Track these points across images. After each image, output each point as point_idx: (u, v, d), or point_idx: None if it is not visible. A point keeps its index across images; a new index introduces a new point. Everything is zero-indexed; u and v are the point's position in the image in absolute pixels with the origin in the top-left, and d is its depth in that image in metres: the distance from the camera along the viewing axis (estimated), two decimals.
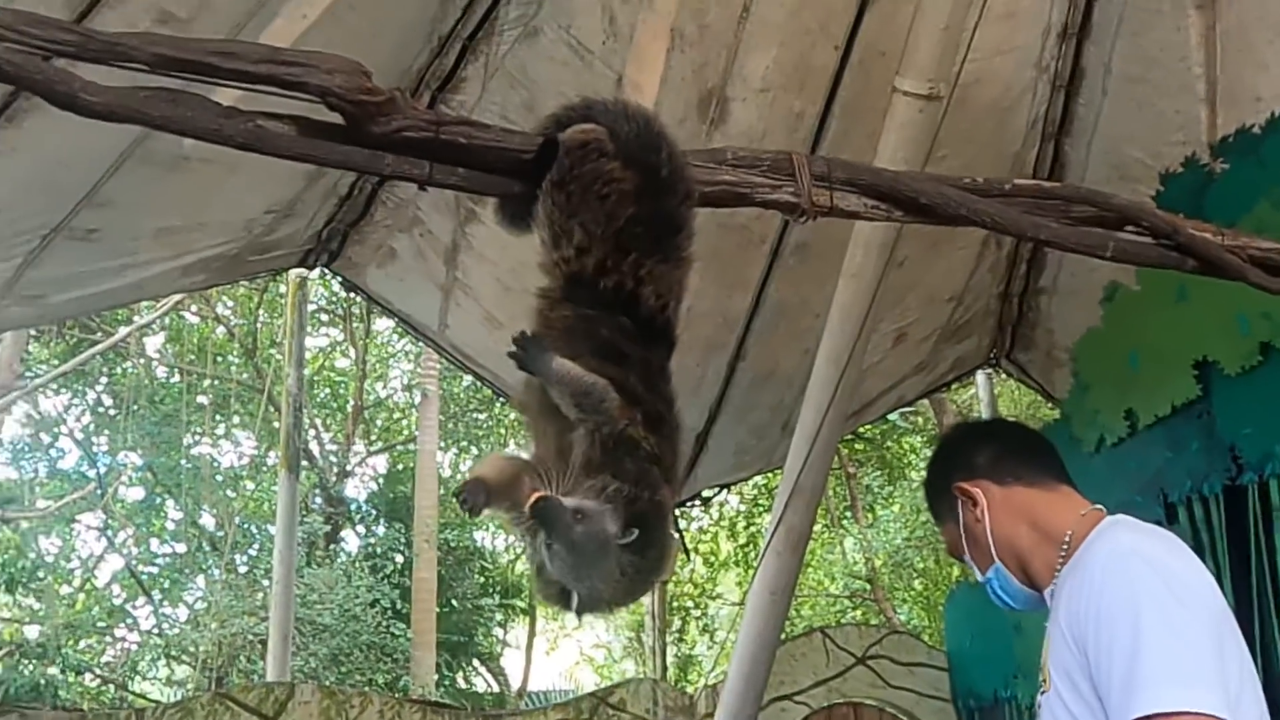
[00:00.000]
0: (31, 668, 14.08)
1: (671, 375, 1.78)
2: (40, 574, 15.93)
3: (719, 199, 1.82)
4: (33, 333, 13.85)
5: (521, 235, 1.85)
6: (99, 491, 16.23)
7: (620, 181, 1.72)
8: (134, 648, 16.39)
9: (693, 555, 16.47)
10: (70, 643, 14.91)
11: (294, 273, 7.88)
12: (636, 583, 1.70)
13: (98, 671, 15.70)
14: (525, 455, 1.83)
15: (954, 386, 10.48)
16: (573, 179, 1.71)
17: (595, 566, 1.62)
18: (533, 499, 1.59)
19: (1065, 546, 1.96)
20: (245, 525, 16.45)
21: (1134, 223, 1.89)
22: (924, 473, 2.37)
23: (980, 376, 9.28)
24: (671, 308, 1.80)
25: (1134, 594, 1.74)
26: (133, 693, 15.97)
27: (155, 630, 16.34)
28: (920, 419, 16.15)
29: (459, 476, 18.83)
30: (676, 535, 10.38)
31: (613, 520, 1.61)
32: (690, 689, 12.87)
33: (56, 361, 15.68)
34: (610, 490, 1.61)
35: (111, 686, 15.68)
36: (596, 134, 1.74)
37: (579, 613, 1.72)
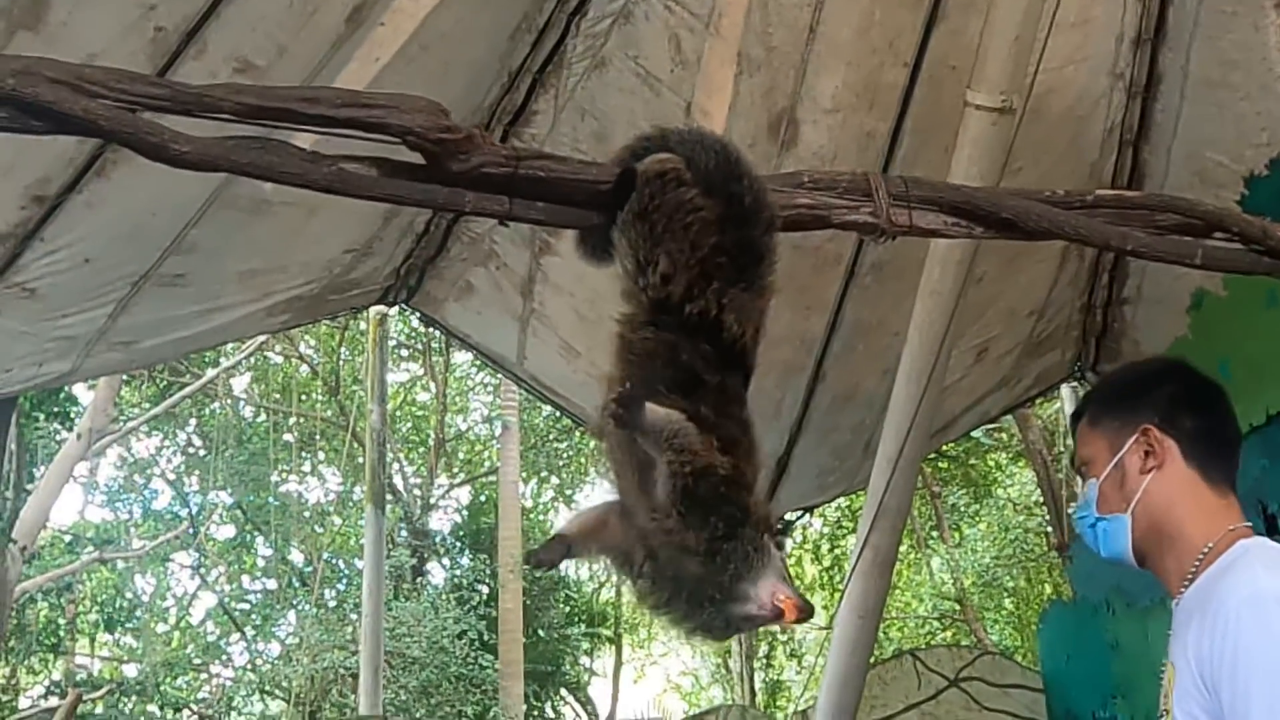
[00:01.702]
0: (131, 705, 14.39)
1: (748, 401, 1.78)
2: (137, 613, 16.31)
3: (797, 222, 1.81)
4: (124, 378, 14.21)
5: (601, 266, 1.87)
6: (191, 531, 16.60)
7: (702, 210, 1.73)
8: (229, 683, 16.68)
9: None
10: (167, 680, 15.22)
11: (374, 310, 8.00)
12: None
13: (194, 708, 16.00)
14: (609, 497, 1.85)
15: (1038, 401, 10.30)
16: (654, 209, 1.72)
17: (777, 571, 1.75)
18: (794, 614, 1.70)
19: (1200, 558, 1.89)
20: (333, 560, 16.70)
21: (1222, 229, 1.85)
22: (1113, 372, 2.32)
23: (1065, 390, 9.09)
24: (750, 334, 1.81)
25: (1274, 648, 1.69)
26: None
27: (249, 666, 16.63)
28: (1004, 435, 15.89)
29: (540, 505, 18.95)
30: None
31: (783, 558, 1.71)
32: (780, 715, 12.76)
33: (148, 405, 16.09)
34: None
35: None
36: (674, 163, 1.75)
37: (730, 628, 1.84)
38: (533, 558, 1.84)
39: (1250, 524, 1.94)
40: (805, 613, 1.74)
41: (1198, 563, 1.89)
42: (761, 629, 16.52)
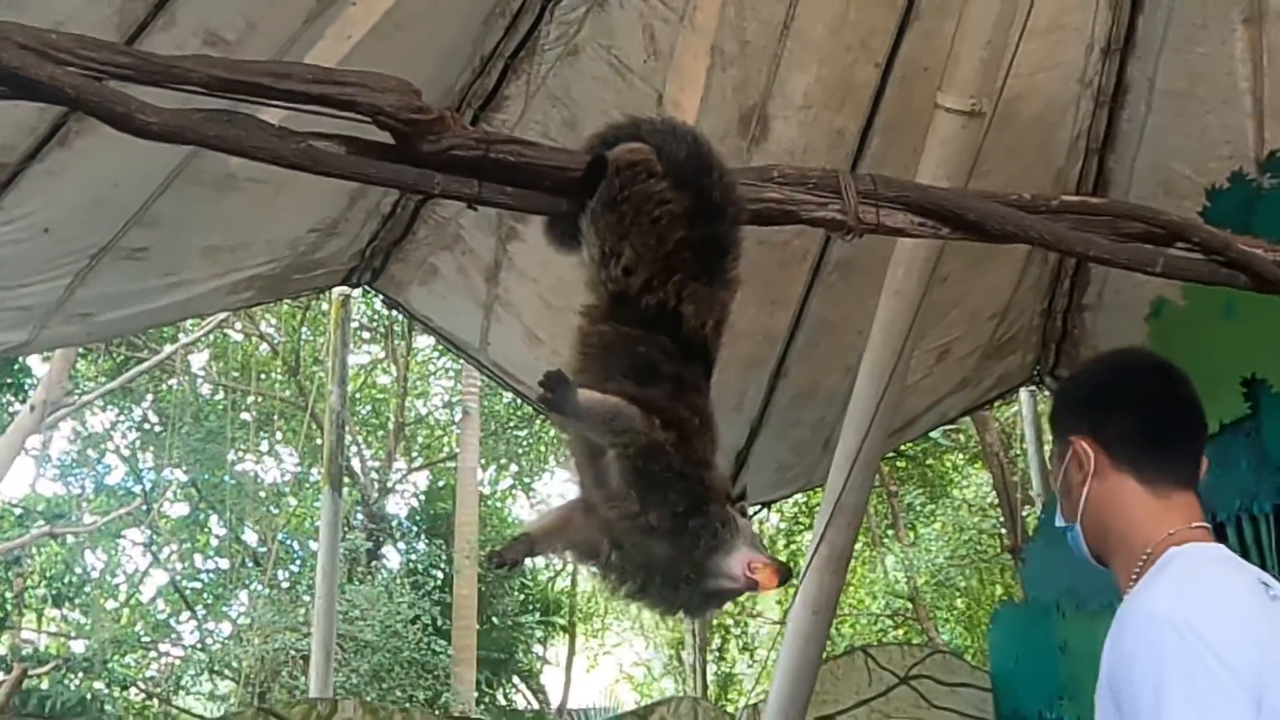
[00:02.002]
0: (78, 682, 14.24)
1: (709, 392, 1.78)
2: (86, 589, 16.13)
3: (765, 217, 1.82)
4: (80, 350, 14.05)
5: (570, 254, 1.86)
6: (144, 507, 16.42)
7: (671, 203, 1.73)
8: (178, 663, 16.54)
9: None
10: (115, 657, 15.07)
11: (337, 291, 7.93)
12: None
13: (142, 686, 15.86)
14: (573, 494, 1.85)
15: (997, 404, 10.40)
16: (623, 199, 1.72)
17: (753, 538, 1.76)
18: (771, 581, 1.68)
19: (1141, 563, 1.88)
20: (287, 541, 16.60)
21: (1184, 239, 1.87)
22: (1065, 379, 2.29)
23: (1023, 394, 9.20)
24: (711, 327, 1.80)
25: (1160, 671, 1.67)
26: (176, 707, 16.11)
27: (199, 645, 16.50)
28: (962, 436, 16.02)
29: (499, 493, 18.91)
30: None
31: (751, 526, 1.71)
32: (731, 708, 12.81)
33: (103, 379, 15.90)
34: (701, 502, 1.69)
35: (155, 701, 15.82)
36: (645, 154, 1.75)
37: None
38: (495, 558, 1.83)
39: (1199, 525, 1.90)
40: (783, 575, 1.72)
41: (1139, 567, 1.89)
42: (715, 620, 16.60)
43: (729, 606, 17.25)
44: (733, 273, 1.81)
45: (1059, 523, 2.03)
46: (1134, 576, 1.88)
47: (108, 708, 14.17)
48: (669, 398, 1.74)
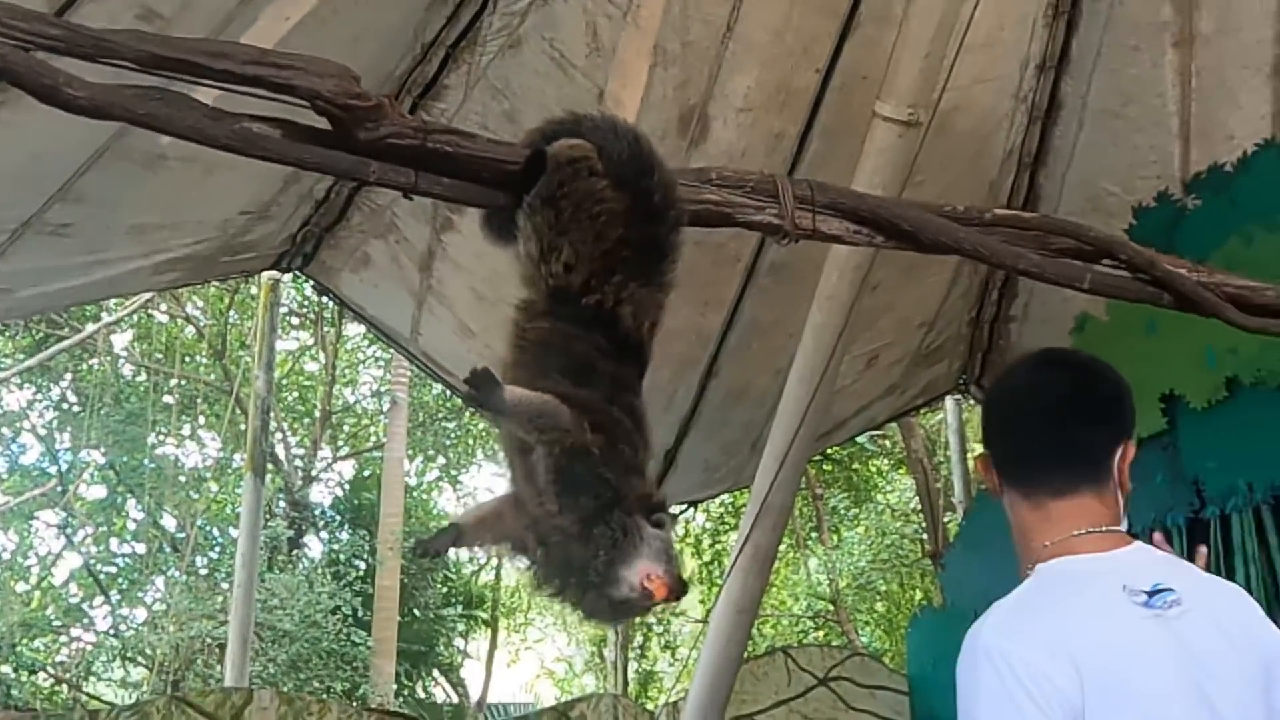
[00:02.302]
0: None
1: (641, 394, 1.77)
2: None
3: (703, 219, 1.81)
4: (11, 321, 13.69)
5: (506, 247, 1.84)
6: (60, 489, 16.05)
7: (610, 201, 1.71)
8: (89, 648, 16.19)
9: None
10: (24, 641, 14.71)
11: (266, 275, 7.82)
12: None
13: (51, 671, 15.50)
14: (505, 489, 1.83)
15: (923, 411, 10.54)
16: (563, 195, 1.70)
17: (668, 556, 1.72)
18: (664, 591, 1.65)
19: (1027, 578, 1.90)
20: (207, 528, 16.31)
21: (1112, 256, 1.90)
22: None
23: (949, 402, 9.34)
24: (647, 328, 1.79)
25: (975, 700, 1.70)
26: (87, 694, 15.78)
27: (112, 631, 16.15)
28: (888, 442, 16.21)
29: (425, 484, 18.76)
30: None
31: (660, 535, 1.68)
32: (651, 705, 12.84)
33: (21, 356, 15.50)
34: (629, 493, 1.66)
35: (65, 687, 15.48)
36: (586, 150, 1.73)
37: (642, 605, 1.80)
38: (420, 546, 1.80)
39: (1088, 530, 1.82)
40: (675, 592, 1.70)
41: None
42: (638, 617, 16.61)
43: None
44: (670, 275, 1.80)
45: None
46: None
47: (15, 692, 13.84)
48: (603, 399, 1.73)
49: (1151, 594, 1.75)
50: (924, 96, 5.46)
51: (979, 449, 2.17)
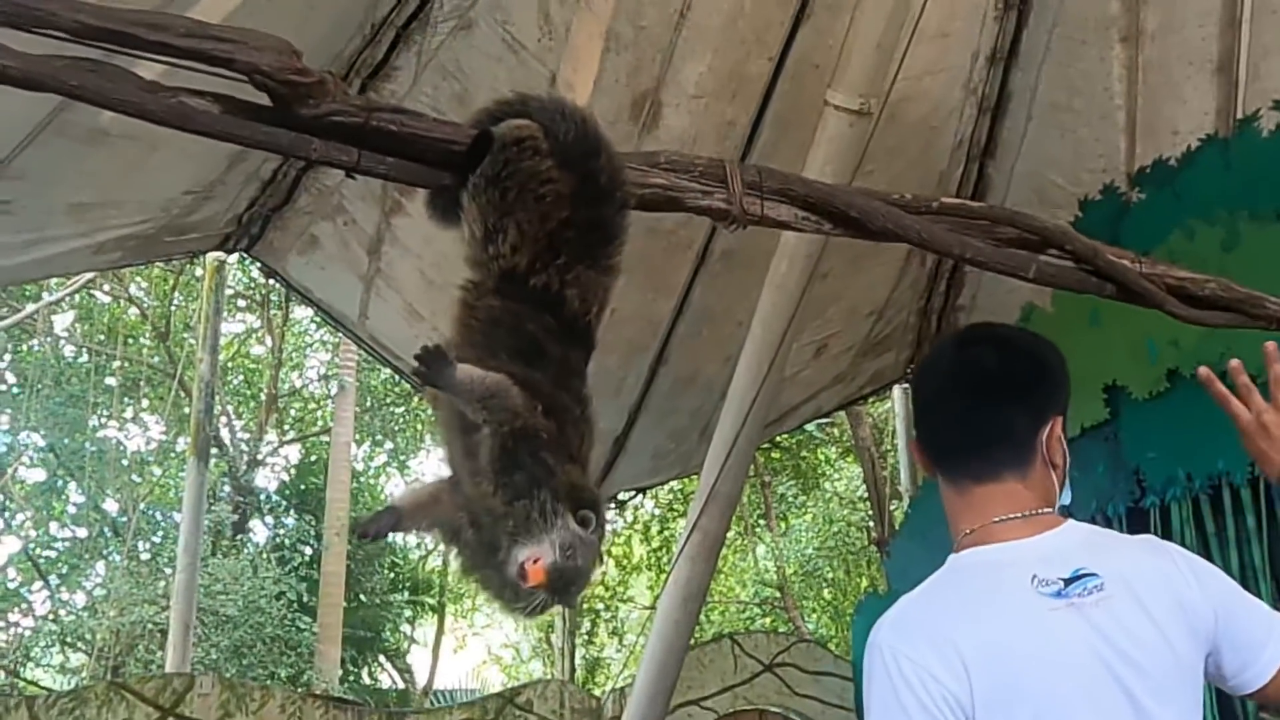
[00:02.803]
0: None
1: (588, 378, 1.75)
2: None
3: (650, 202, 1.80)
4: None
5: (450, 228, 1.82)
6: None
7: (556, 183, 1.69)
8: (28, 633, 15.93)
9: (605, 558, 16.44)
10: None
11: (211, 256, 7.70)
12: (600, 553, 1.73)
13: None
14: (444, 473, 1.79)
15: (871, 400, 10.62)
16: (507, 175, 1.68)
17: (588, 575, 1.64)
18: (536, 578, 1.58)
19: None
20: (150, 512, 16.09)
21: (1057, 246, 1.92)
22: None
23: (897, 391, 9.41)
24: (594, 313, 1.77)
25: (869, 695, 1.69)
26: (24, 679, 15.52)
27: (51, 616, 15.89)
28: (836, 430, 16.32)
29: (373, 469, 18.63)
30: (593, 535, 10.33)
31: (575, 530, 1.61)
32: (598, 691, 12.86)
33: None
34: (547, 494, 1.59)
35: (2, 672, 15.22)
36: (531, 130, 1.71)
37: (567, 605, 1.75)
38: (361, 528, 1.77)
39: (1008, 517, 1.78)
40: (552, 585, 1.61)
41: None
42: (585, 604, 16.61)
43: (601, 592, 17.33)
44: (616, 259, 1.78)
45: None
46: None
47: None
48: (554, 382, 1.70)
49: (1070, 580, 1.70)
50: (875, 86, 5.48)
51: None
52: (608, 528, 1.72)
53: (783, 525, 17.21)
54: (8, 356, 16.20)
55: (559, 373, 1.72)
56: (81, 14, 1.34)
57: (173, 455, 16.40)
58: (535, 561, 1.58)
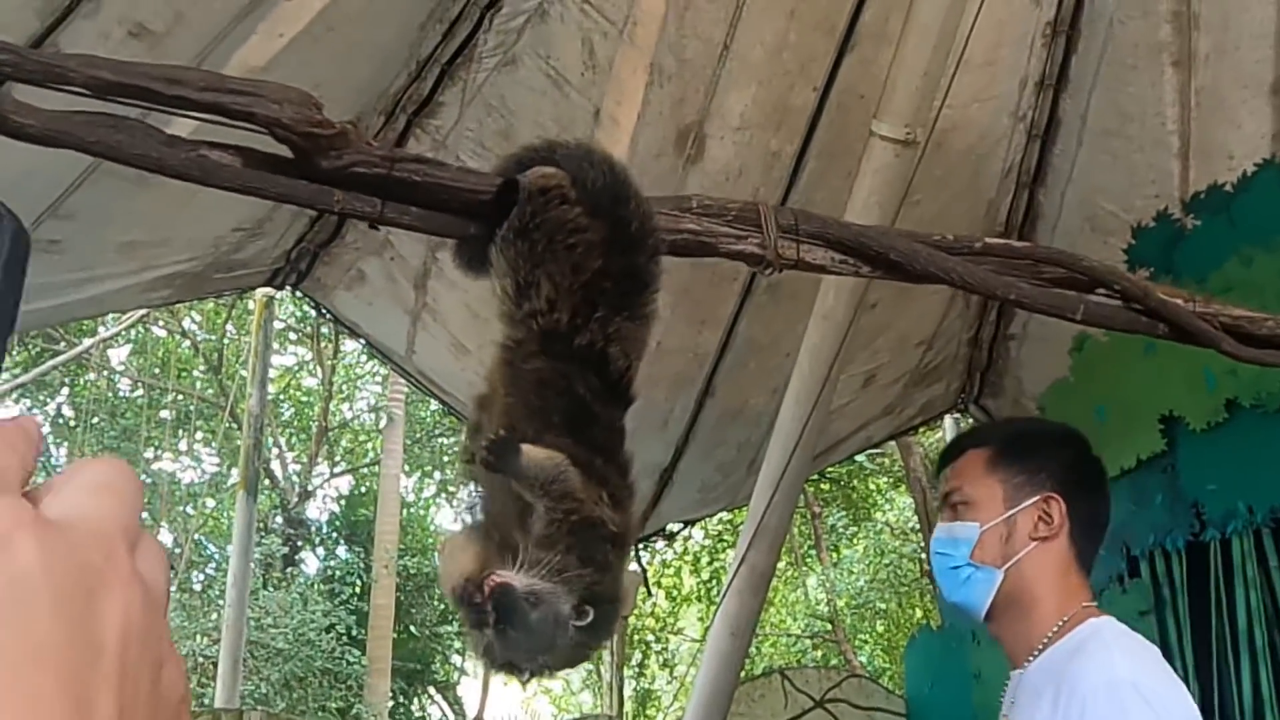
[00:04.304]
0: None
1: (626, 435, 1.70)
2: None
3: (683, 248, 1.75)
4: None
5: (479, 279, 1.78)
6: None
7: (586, 231, 1.64)
8: None
9: (655, 590, 16.35)
10: None
11: (261, 292, 7.78)
12: (585, 653, 1.65)
13: None
14: (477, 521, 1.73)
15: (921, 430, 10.47)
16: (536, 226, 1.63)
17: (549, 646, 1.56)
18: (491, 587, 1.52)
19: (1052, 634, 1.88)
20: (203, 544, 16.24)
21: (1105, 285, 1.85)
22: (1019, 422, 2.37)
23: (948, 421, 9.27)
24: (635, 368, 1.72)
25: None
26: None
27: None
28: (887, 460, 16.14)
29: (422, 500, 18.69)
30: (637, 570, 10.29)
31: (566, 600, 1.53)
32: None
33: (17, 370, 15.47)
34: (569, 574, 1.53)
35: None
36: (559, 179, 1.66)
37: (525, 683, 1.68)
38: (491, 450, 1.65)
39: (1095, 604, 1.98)
40: (491, 600, 1.54)
41: (1048, 637, 1.89)
42: (636, 636, 16.52)
43: (651, 624, 17.21)
44: (652, 307, 1.73)
45: (965, 556, 1.97)
46: (1040, 646, 1.88)
47: None
48: (606, 455, 1.65)
49: None
50: (921, 115, 5.43)
51: None
52: (603, 635, 1.63)
53: (834, 556, 17.02)
54: (65, 391, 16.47)
55: (608, 439, 1.67)
56: (98, 69, 1.33)
57: (225, 487, 16.57)
58: (496, 577, 1.52)
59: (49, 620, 0.35)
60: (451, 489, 18.25)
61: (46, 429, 16.68)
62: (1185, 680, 5.14)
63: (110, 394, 16.19)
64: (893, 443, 10.49)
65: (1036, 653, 1.89)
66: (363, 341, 8.01)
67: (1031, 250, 1.94)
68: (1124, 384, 5.77)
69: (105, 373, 16.27)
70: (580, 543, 1.54)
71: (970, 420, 9.10)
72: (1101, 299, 1.87)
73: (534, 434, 1.63)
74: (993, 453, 2.00)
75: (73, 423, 16.29)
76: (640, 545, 9.26)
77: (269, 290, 7.54)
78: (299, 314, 16.55)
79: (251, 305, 10.95)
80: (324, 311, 7.62)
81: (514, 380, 1.69)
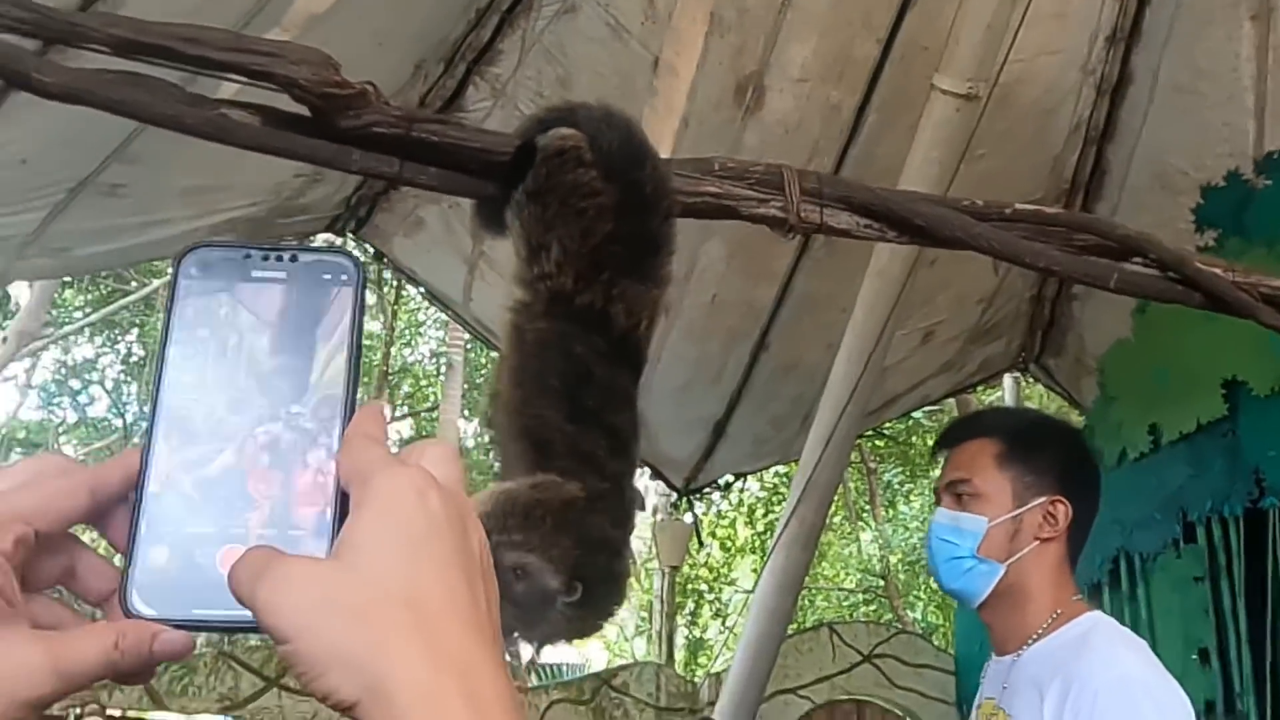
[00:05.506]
0: None
1: (637, 397, 1.69)
2: None
3: (702, 211, 1.74)
4: (67, 279, 13.96)
5: (498, 240, 1.79)
6: (125, 440, 16.39)
7: (599, 195, 1.64)
8: None
9: (709, 540, 16.42)
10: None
11: (321, 238, 7.85)
12: (581, 626, 1.67)
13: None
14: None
15: (980, 388, 10.35)
16: (549, 189, 1.63)
17: (538, 619, 1.59)
18: None
19: (1047, 624, 1.94)
20: None
21: (1140, 253, 1.81)
22: (1024, 416, 2.40)
23: (1007, 380, 9.17)
24: (644, 327, 1.71)
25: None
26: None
27: None
28: (945, 418, 15.99)
29: (481, 445, 18.87)
30: (689, 520, 10.33)
31: (554, 576, 1.55)
32: (700, 673, 12.87)
33: (89, 309, 15.81)
34: (556, 551, 1.55)
35: None
36: (575, 141, 1.66)
37: (537, 649, 1.73)
38: None
39: (1080, 597, 2.04)
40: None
41: (1044, 627, 1.95)
42: (689, 585, 16.64)
43: (705, 573, 17.31)
44: (665, 270, 1.72)
45: (970, 549, 2.00)
46: (1035, 635, 1.95)
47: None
48: (599, 410, 1.64)
49: None
50: (985, 69, 5.32)
51: None
52: (598, 611, 1.63)
53: (889, 513, 16.96)
54: (135, 330, 16.82)
55: (602, 400, 1.67)
56: (118, 28, 1.35)
57: None
58: None
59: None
60: None
61: (118, 367, 17.09)
62: (1238, 647, 5.11)
63: None
64: (951, 400, 10.37)
65: (1031, 641, 1.94)
66: (421, 288, 8.08)
67: (1064, 217, 1.90)
68: (1186, 347, 5.67)
69: None
70: (568, 521, 1.55)
71: (1030, 379, 9.00)
72: (1137, 267, 1.83)
73: (520, 402, 1.66)
74: (1003, 448, 2.03)
75: (142, 362, 16.64)
76: (694, 496, 9.31)
77: (329, 236, 7.61)
78: (364, 258, 16.70)
79: None
80: (383, 258, 7.69)
81: (518, 342, 1.71)
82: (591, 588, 1.56)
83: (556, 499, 1.56)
